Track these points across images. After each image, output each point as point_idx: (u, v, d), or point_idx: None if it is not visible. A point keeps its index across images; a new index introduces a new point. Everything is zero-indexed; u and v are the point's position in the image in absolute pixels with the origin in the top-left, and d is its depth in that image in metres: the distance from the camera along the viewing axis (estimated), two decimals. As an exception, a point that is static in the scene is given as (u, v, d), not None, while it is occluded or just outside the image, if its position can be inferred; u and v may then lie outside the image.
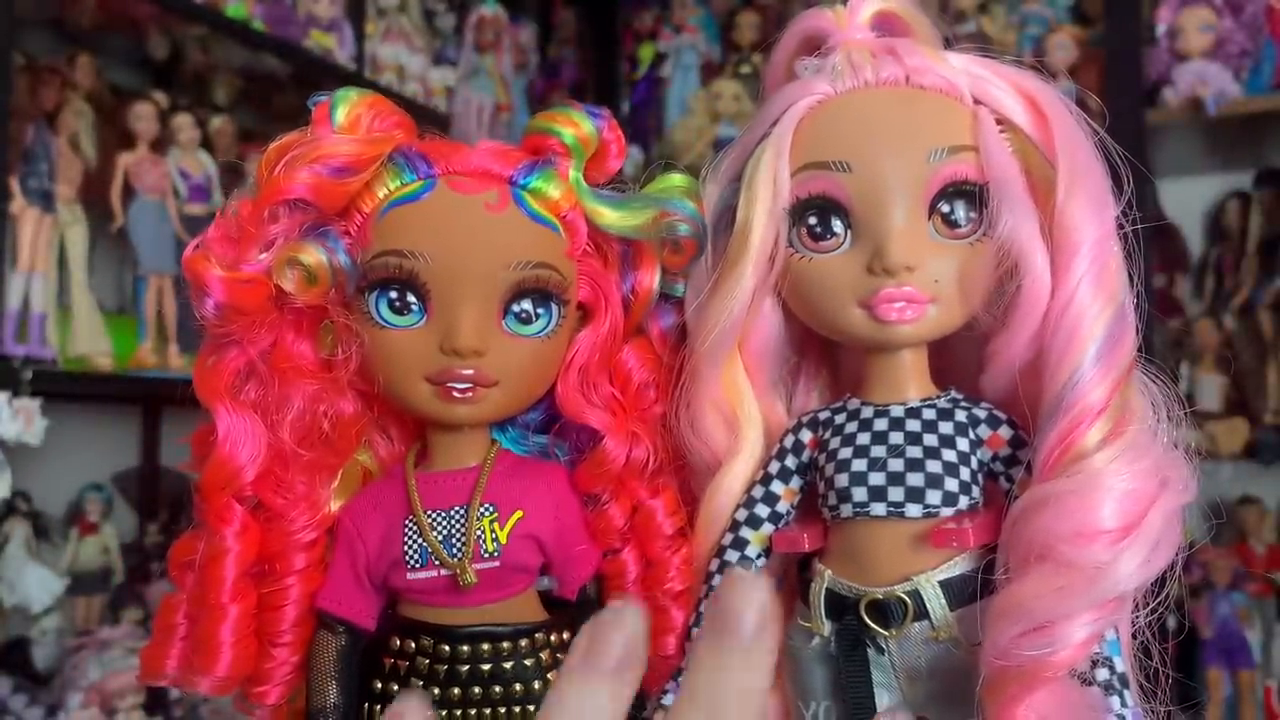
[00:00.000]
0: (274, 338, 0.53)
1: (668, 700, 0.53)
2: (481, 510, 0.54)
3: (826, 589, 0.52)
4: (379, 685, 0.55)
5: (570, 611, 0.57)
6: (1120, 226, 0.51)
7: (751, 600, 0.26)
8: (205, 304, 0.50)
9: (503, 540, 0.53)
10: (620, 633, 0.26)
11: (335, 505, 0.56)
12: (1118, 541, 0.46)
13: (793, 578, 0.57)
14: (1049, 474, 0.48)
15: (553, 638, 0.55)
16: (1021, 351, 0.51)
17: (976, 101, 0.52)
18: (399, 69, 2.20)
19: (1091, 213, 0.50)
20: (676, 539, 0.57)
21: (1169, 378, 0.52)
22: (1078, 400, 0.48)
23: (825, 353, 0.60)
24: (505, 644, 0.54)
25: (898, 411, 0.53)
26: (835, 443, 0.53)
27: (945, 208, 0.51)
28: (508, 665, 0.53)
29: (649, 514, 0.56)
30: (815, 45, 0.55)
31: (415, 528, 0.54)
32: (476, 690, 0.53)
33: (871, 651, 0.52)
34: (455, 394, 0.52)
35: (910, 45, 0.53)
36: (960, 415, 0.52)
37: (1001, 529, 0.49)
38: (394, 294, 0.52)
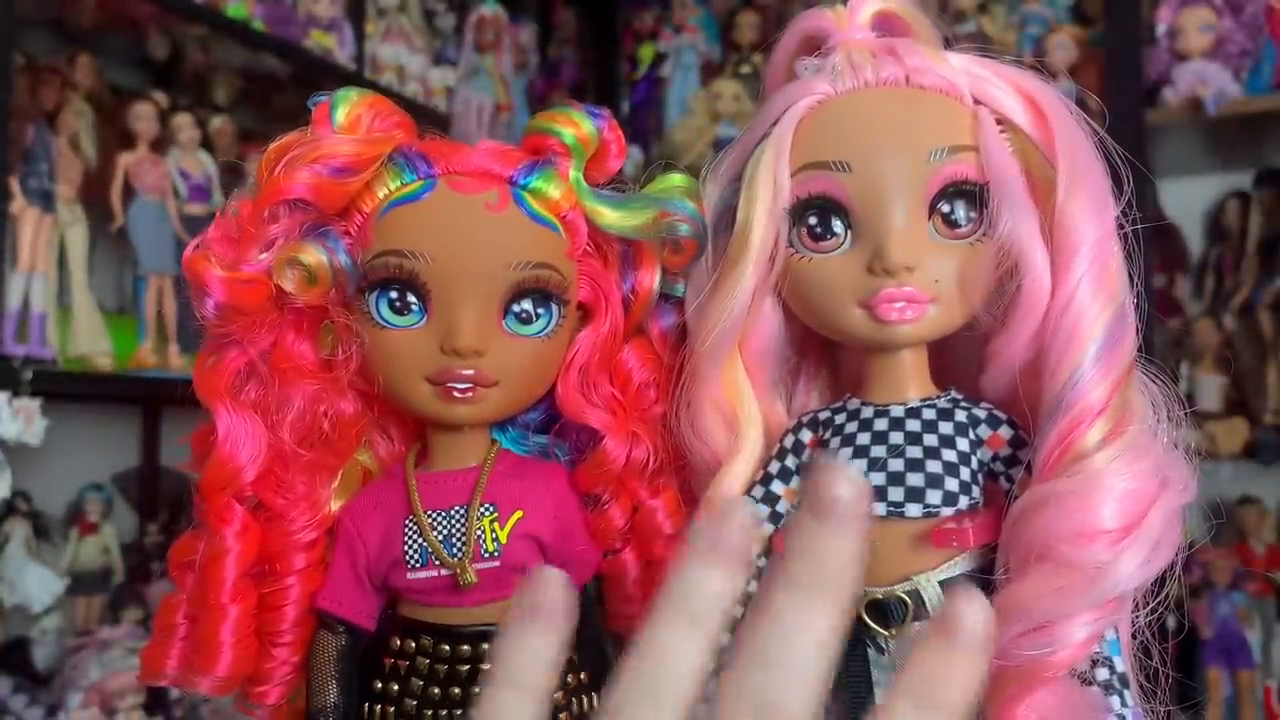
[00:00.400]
0: (274, 338, 0.53)
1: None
2: (482, 510, 0.54)
3: (826, 589, 0.52)
4: (379, 685, 0.55)
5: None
6: (1120, 226, 0.51)
7: (845, 478, 0.28)
8: (205, 304, 0.51)
9: (503, 540, 0.53)
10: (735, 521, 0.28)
11: (335, 505, 0.56)
12: (1118, 541, 0.46)
13: (793, 578, 0.57)
14: (1049, 474, 0.48)
15: (553, 638, 0.55)
16: (1021, 351, 0.51)
17: (976, 101, 0.52)
18: (399, 69, 2.20)
19: (1091, 213, 0.50)
20: (677, 539, 0.57)
21: (1169, 378, 0.52)
22: (1078, 400, 0.48)
23: (825, 353, 0.60)
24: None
25: (898, 411, 0.53)
26: (835, 443, 0.53)
27: (945, 208, 0.51)
28: (508, 665, 0.53)
29: (649, 514, 0.56)
30: (815, 45, 0.55)
31: (415, 528, 0.54)
32: (477, 690, 0.53)
33: (871, 651, 0.52)
34: (455, 394, 0.52)
35: (910, 45, 0.53)
36: (960, 415, 0.52)
37: (1001, 529, 0.49)
38: (394, 294, 0.52)
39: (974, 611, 0.28)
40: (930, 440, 0.51)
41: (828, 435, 0.54)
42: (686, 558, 0.28)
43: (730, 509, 0.28)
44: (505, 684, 0.29)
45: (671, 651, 0.28)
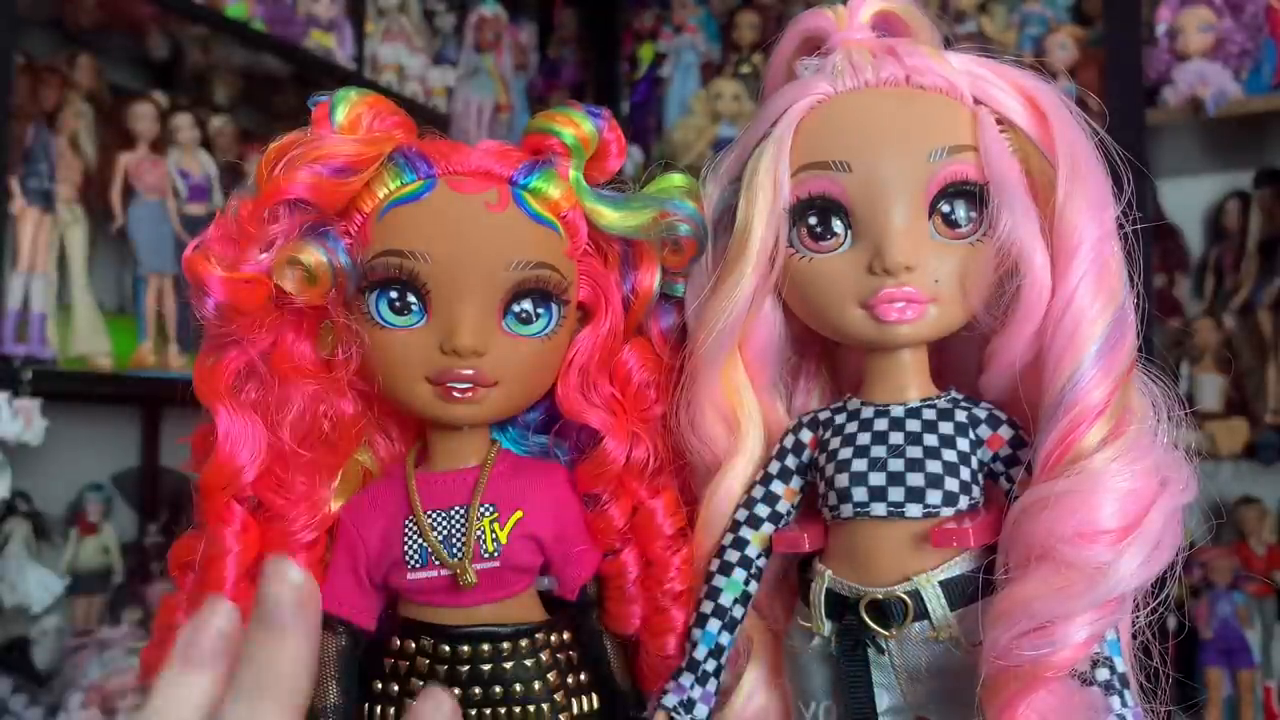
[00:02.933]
0: (274, 338, 0.53)
1: (668, 701, 0.53)
2: (481, 510, 0.54)
3: (827, 589, 0.52)
4: (379, 685, 0.55)
5: (570, 611, 0.57)
6: (1120, 226, 0.51)
7: (283, 580, 0.27)
8: (205, 304, 0.50)
9: (503, 540, 0.53)
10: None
11: (335, 505, 0.56)
12: (1118, 541, 0.46)
13: (793, 578, 0.57)
14: (1049, 474, 0.48)
15: (553, 638, 0.55)
16: (1021, 351, 0.51)
17: (977, 101, 0.52)
18: (399, 69, 2.21)
19: (1091, 213, 0.50)
20: (676, 539, 0.57)
21: (1169, 378, 0.52)
22: (1078, 400, 0.48)
23: (825, 353, 0.60)
24: (505, 644, 0.54)
25: (898, 411, 0.53)
26: (835, 443, 0.53)
27: (945, 208, 0.51)
28: (508, 665, 0.53)
29: (649, 514, 0.56)
30: (815, 45, 0.55)
31: (415, 528, 0.54)
32: (477, 690, 0.53)
33: (872, 651, 0.52)
34: (455, 394, 0.52)
35: (910, 45, 0.53)
36: (960, 415, 0.52)
37: (1002, 529, 0.49)
38: (394, 294, 0.52)
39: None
40: (930, 440, 0.51)
41: (828, 435, 0.54)
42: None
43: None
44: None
45: None
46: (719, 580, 0.55)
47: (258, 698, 0.27)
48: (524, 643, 0.54)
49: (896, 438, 0.52)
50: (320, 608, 0.27)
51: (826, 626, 0.52)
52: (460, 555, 0.53)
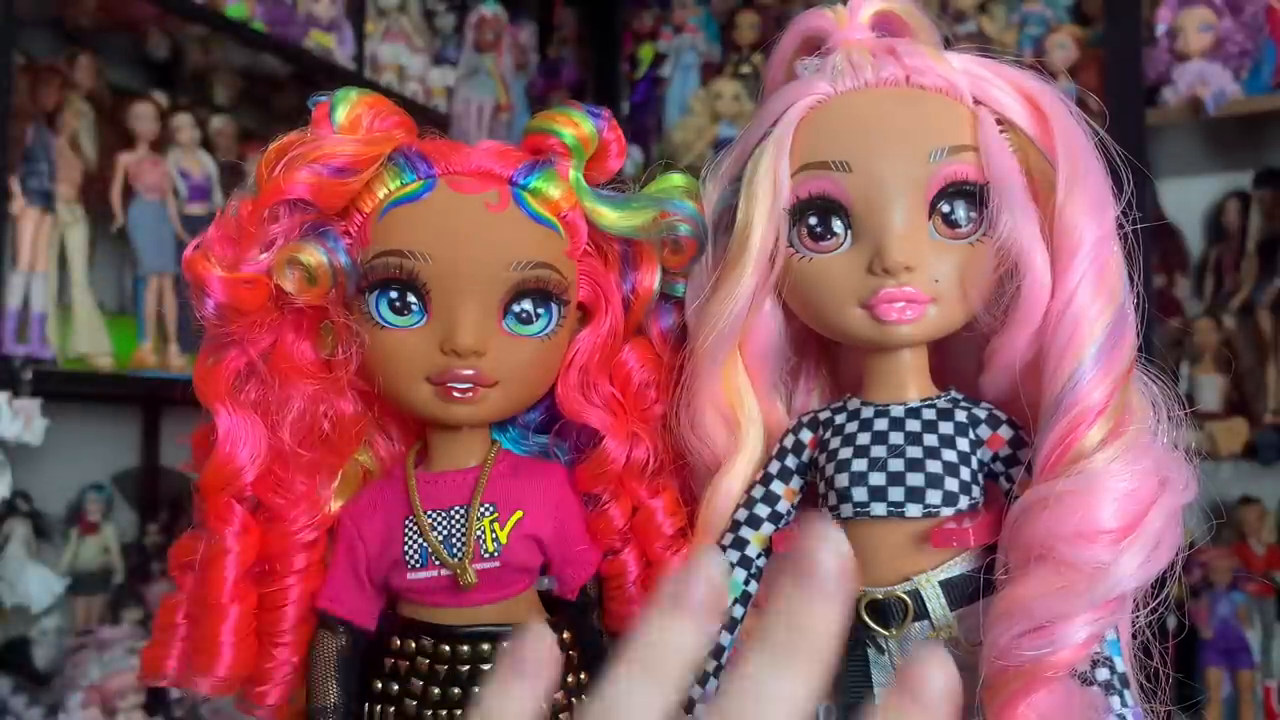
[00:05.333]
0: (274, 338, 0.53)
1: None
2: (482, 510, 0.54)
3: (826, 589, 0.52)
4: (379, 685, 0.55)
5: (570, 611, 0.57)
6: (1120, 226, 0.51)
7: (832, 548, 0.27)
8: (205, 304, 0.51)
9: (503, 540, 0.53)
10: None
11: (335, 505, 0.56)
12: (1118, 542, 0.46)
13: (793, 578, 0.57)
14: (1049, 474, 0.48)
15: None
16: (1021, 351, 0.51)
17: (977, 101, 0.52)
18: (399, 69, 2.20)
19: (1091, 213, 0.50)
20: (676, 539, 0.57)
21: (1169, 378, 0.52)
22: (1078, 400, 0.48)
23: (825, 353, 0.60)
24: (505, 644, 0.54)
25: (898, 411, 0.52)
26: (835, 442, 0.53)
27: (945, 208, 0.51)
28: (508, 665, 0.53)
29: (649, 514, 0.56)
30: (815, 45, 0.55)
31: (415, 528, 0.54)
32: (477, 691, 0.53)
33: (871, 651, 0.52)
34: (455, 394, 0.52)
35: (910, 45, 0.53)
36: (960, 415, 0.52)
37: (1002, 529, 0.49)
38: (394, 294, 0.52)
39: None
40: (930, 440, 0.51)
41: (828, 435, 0.54)
42: (652, 609, 0.28)
43: (699, 562, 0.28)
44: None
45: (632, 703, 0.27)
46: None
47: (788, 655, 0.27)
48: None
49: (896, 438, 0.52)
50: (848, 578, 0.27)
51: (826, 626, 0.52)
52: (460, 555, 0.53)
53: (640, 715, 0.27)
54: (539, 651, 0.29)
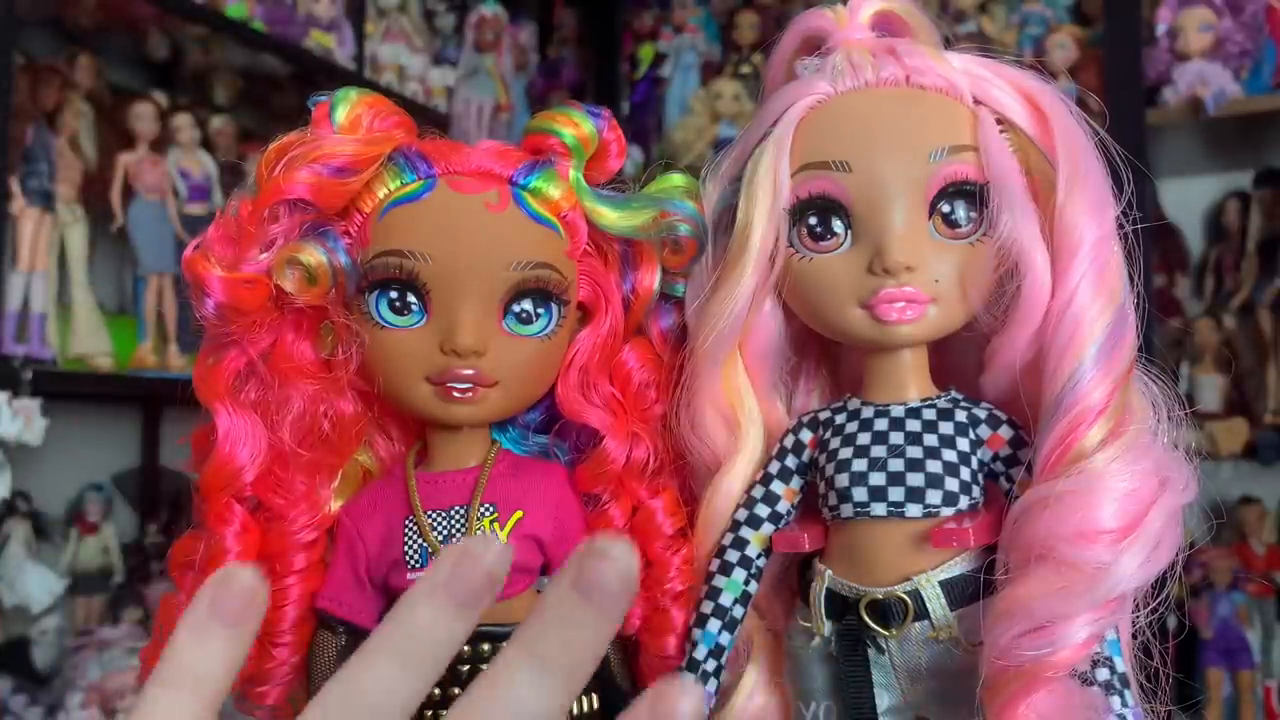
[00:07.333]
0: (274, 338, 0.53)
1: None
2: (482, 510, 0.54)
3: (827, 589, 0.52)
4: (379, 685, 0.55)
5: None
6: (1120, 226, 0.51)
7: (614, 566, 0.25)
8: (205, 304, 0.50)
9: (503, 540, 0.53)
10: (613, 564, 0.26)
11: (335, 505, 0.56)
12: (1118, 542, 0.46)
13: (793, 578, 0.57)
14: (1049, 474, 0.48)
15: (553, 638, 0.55)
16: (1021, 351, 0.51)
17: (977, 101, 0.52)
18: (399, 69, 2.21)
19: (1091, 213, 0.50)
20: (677, 539, 0.57)
21: (1169, 378, 0.52)
22: (1078, 400, 0.48)
23: (825, 353, 0.60)
24: (505, 644, 0.54)
25: (898, 411, 0.52)
26: (835, 443, 0.53)
27: (945, 207, 0.51)
28: (508, 665, 0.53)
29: (649, 514, 0.56)
30: (815, 45, 0.55)
31: (415, 528, 0.54)
32: (457, 691, 0.53)
33: (872, 651, 0.52)
34: (455, 394, 0.52)
35: (910, 45, 0.53)
36: (960, 415, 0.52)
37: (1002, 529, 0.49)
38: (394, 294, 0.52)
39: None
40: (930, 440, 0.51)
41: (828, 435, 0.54)
42: (415, 591, 0.26)
43: (481, 549, 0.26)
44: (169, 684, 0.26)
45: (376, 687, 0.26)
46: (719, 580, 0.55)
47: (552, 668, 0.26)
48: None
49: (896, 438, 0.52)
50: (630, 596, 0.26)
51: (826, 626, 0.52)
52: (460, 555, 0.52)
53: (389, 699, 0.26)
54: (241, 594, 0.27)
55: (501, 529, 0.53)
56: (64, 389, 1.56)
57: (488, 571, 0.27)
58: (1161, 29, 1.81)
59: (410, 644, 0.26)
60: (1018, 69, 0.54)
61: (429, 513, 0.54)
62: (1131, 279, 0.51)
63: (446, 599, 0.26)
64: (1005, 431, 0.52)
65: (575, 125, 0.54)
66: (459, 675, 0.53)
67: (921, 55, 0.52)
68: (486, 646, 0.53)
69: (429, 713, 0.53)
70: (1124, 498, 0.46)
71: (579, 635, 0.26)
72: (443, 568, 0.26)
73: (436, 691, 0.53)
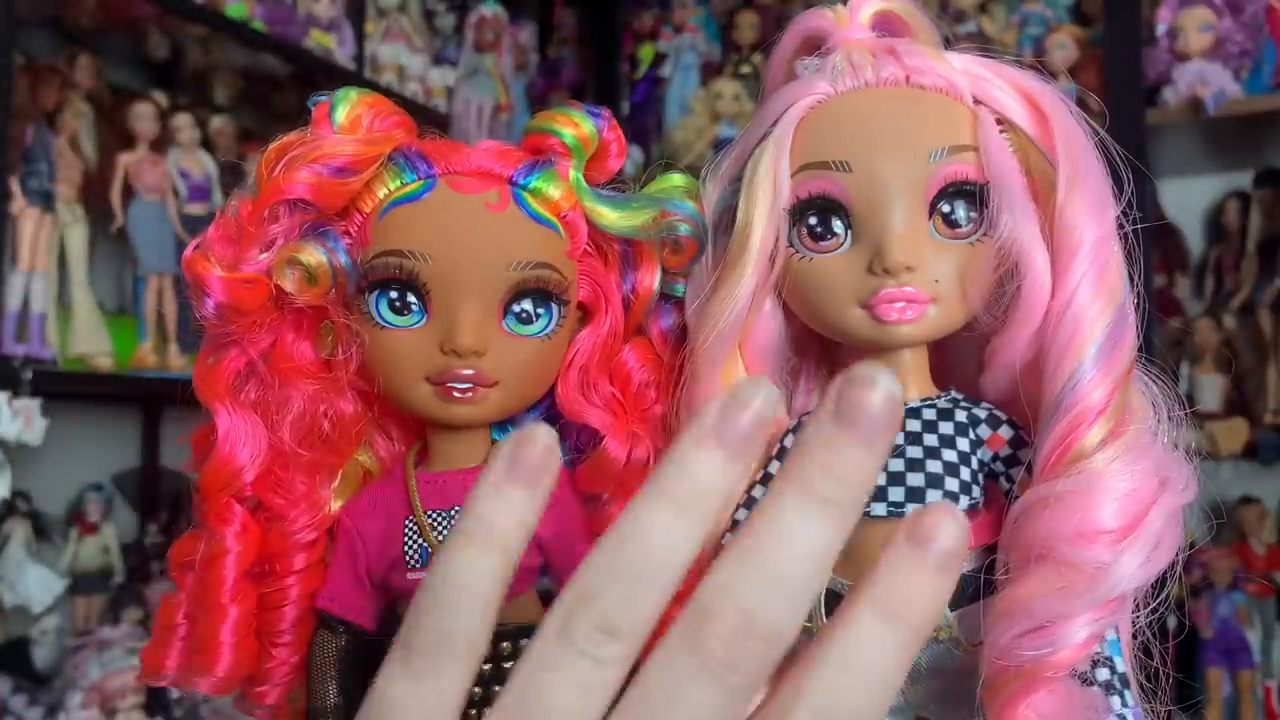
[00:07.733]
0: (274, 338, 0.53)
1: None
2: (482, 510, 0.53)
3: (826, 589, 0.52)
4: (379, 685, 0.55)
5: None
6: (1120, 226, 0.51)
7: (880, 389, 0.24)
8: (205, 304, 0.50)
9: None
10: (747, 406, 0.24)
11: (335, 505, 0.56)
12: (1118, 542, 0.46)
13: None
14: (1049, 474, 0.48)
15: (553, 638, 0.55)
16: (1021, 351, 0.51)
17: (977, 101, 0.52)
18: (399, 69, 2.21)
19: (1091, 213, 0.50)
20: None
21: (1169, 378, 0.52)
22: (1078, 400, 0.48)
23: (825, 353, 0.60)
24: (505, 644, 0.54)
25: (898, 411, 0.52)
26: (835, 443, 0.53)
27: (946, 208, 0.51)
28: (508, 666, 0.53)
29: (649, 514, 0.56)
30: (815, 45, 0.55)
31: (415, 528, 0.54)
32: (477, 690, 0.53)
33: (872, 651, 0.51)
34: (455, 394, 0.52)
35: (910, 45, 0.53)
36: (960, 415, 0.52)
37: (1002, 529, 0.49)
38: (394, 294, 0.52)
39: (948, 528, 0.25)
40: (930, 440, 0.51)
41: (828, 435, 0.54)
42: (685, 438, 0.25)
43: (744, 391, 0.25)
44: (477, 542, 0.27)
45: (654, 535, 0.25)
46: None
47: (820, 501, 0.25)
48: (524, 643, 0.54)
49: (896, 437, 0.51)
50: (896, 423, 0.25)
51: (826, 626, 0.52)
52: (460, 555, 0.52)
53: (667, 548, 0.25)
54: (540, 456, 0.26)
55: (501, 529, 0.53)
56: (64, 389, 1.56)
57: (756, 414, 0.25)
58: (1161, 29, 1.81)
59: (685, 489, 0.25)
60: (1018, 69, 0.53)
61: (429, 513, 0.54)
62: (1131, 279, 0.51)
63: (715, 445, 0.25)
64: (1005, 431, 0.52)
65: (575, 125, 0.54)
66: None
67: (921, 55, 0.52)
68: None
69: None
70: (1124, 498, 0.46)
71: (843, 461, 0.25)
72: (710, 413, 0.25)
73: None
